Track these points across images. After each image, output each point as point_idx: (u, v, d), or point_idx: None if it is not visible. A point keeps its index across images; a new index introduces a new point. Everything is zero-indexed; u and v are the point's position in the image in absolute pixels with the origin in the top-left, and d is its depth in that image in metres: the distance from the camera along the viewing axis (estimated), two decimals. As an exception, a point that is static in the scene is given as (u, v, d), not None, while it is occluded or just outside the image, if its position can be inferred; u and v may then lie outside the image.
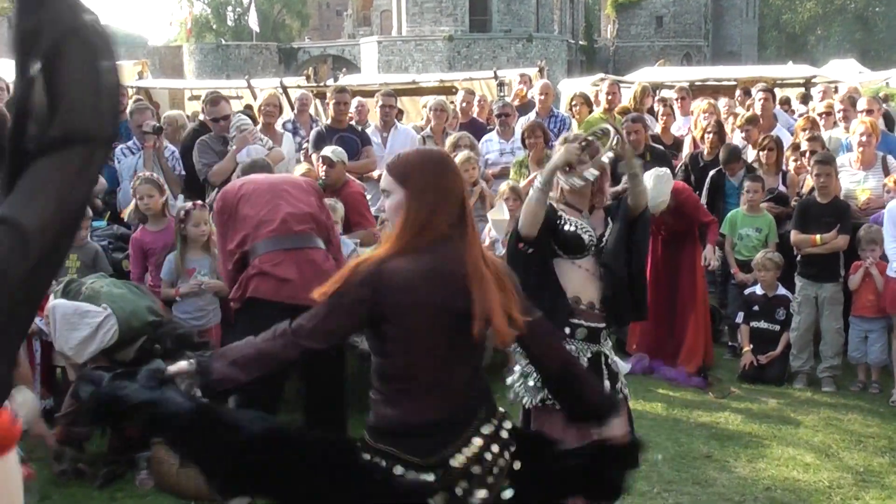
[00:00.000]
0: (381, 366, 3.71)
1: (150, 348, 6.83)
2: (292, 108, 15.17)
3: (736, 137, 11.61)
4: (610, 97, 12.29)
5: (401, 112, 16.05)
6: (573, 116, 13.09)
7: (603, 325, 5.52)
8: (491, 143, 11.78)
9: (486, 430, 3.65)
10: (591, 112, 12.75)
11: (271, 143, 10.25)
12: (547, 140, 10.77)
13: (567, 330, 5.36)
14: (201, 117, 11.03)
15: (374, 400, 3.73)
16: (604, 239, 5.57)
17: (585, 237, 5.45)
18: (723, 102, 13.66)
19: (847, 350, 9.35)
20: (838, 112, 11.61)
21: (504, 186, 9.69)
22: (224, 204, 6.68)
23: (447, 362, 3.60)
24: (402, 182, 3.66)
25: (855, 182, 9.77)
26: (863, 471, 7.10)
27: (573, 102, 13.39)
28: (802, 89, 17.42)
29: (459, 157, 10.11)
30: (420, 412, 3.59)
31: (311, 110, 13.93)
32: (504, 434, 3.71)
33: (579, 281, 5.49)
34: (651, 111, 13.19)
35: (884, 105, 12.97)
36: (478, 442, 3.61)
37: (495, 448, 3.65)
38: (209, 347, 7.24)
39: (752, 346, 9.47)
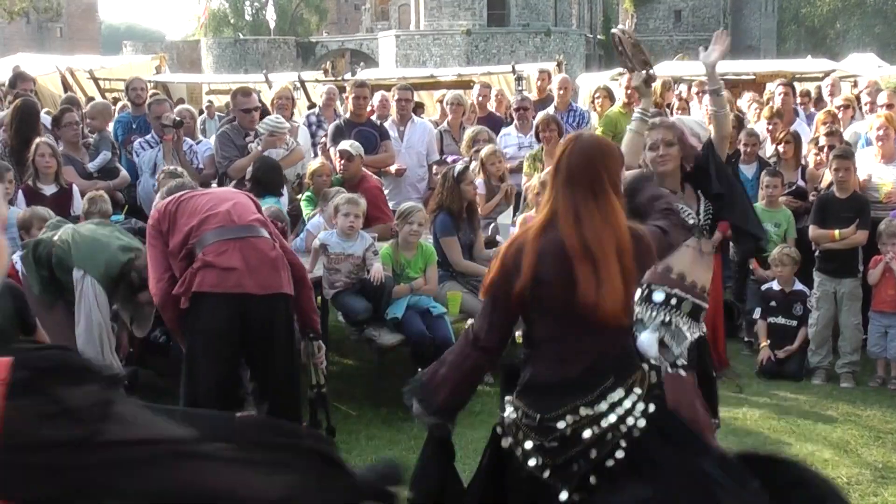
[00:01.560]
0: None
1: (129, 274, 6.93)
2: (312, 103, 15.22)
3: (760, 130, 11.54)
4: (629, 91, 12.23)
5: (420, 106, 16.06)
6: (595, 109, 13.09)
7: (705, 305, 5.75)
8: (509, 138, 11.78)
9: (606, 401, 3.82)
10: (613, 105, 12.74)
11: (295, 144, 10.26)
12: (561, 133, 10.75)
13: (673, 301, 5.59)
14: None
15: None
16: (699, 216, 5.71)
17: (690, 221, 5.51)
18: (747, 97, 13.64)
19: (866, 345, 9.33)
20: (865, 105, 11.59)
21: (534, 181, 9.64)
22: (160, 214, 6.45)
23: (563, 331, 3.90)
24: None
25: (876, 176, 9.74)
26: (882, 467, 7.07)
27: (596, 95, 13.39)
28: (821, 83, 17.37)
29: (485, 151, 10.13)
30: (539, 374, 3.93)
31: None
32: (632, 410, 3.84)
33: (687, 259, 5.68)
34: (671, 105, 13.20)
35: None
36: (586, 411, 3.80)
37: (612, 418, 3.81)
38: None
39: (769, 341, 9.45)
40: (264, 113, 11.60)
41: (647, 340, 5.56)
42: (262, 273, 6.16)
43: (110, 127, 11.78)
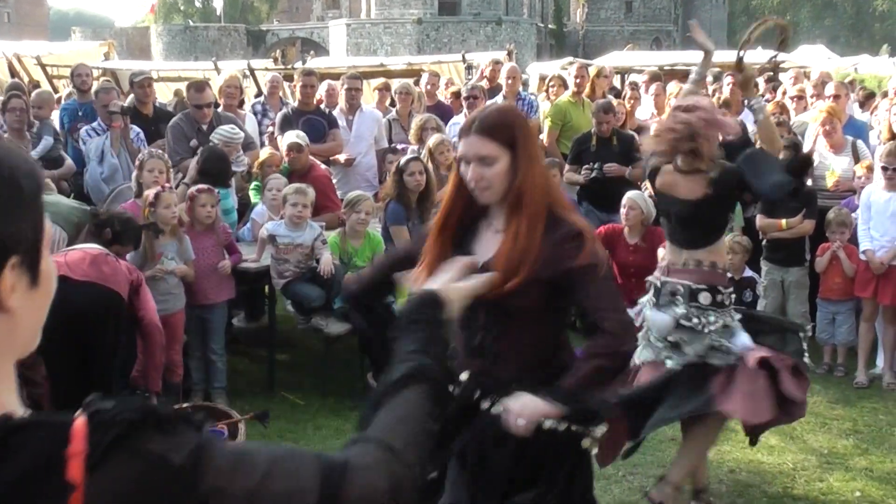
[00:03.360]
0: None
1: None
2: (260, 91, 15.13)
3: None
4: (578, 81, 12.28)
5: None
6: (549, 98, 13.11)
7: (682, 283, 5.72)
8: (458, 127, 11.73)
9: None
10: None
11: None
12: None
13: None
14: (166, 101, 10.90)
15: None
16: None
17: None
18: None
19: (814, 332, 9.42)
20: (811, 98, 11.68)
21: None
22: None
23: None
24: (510, 145, 3.62)
25: (824, 165, 9.82)
26: (827, 453, 7.15)
27: (550, 83, 13.44)
28: (770, 73, 17.47)
29: (433, 140, 10.06)
30: None
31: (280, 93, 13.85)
32: None
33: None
34: (611, 93, 13.22)
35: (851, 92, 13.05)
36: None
37: None
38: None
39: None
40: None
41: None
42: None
43: (55, 115, 11.67)
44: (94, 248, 6.56)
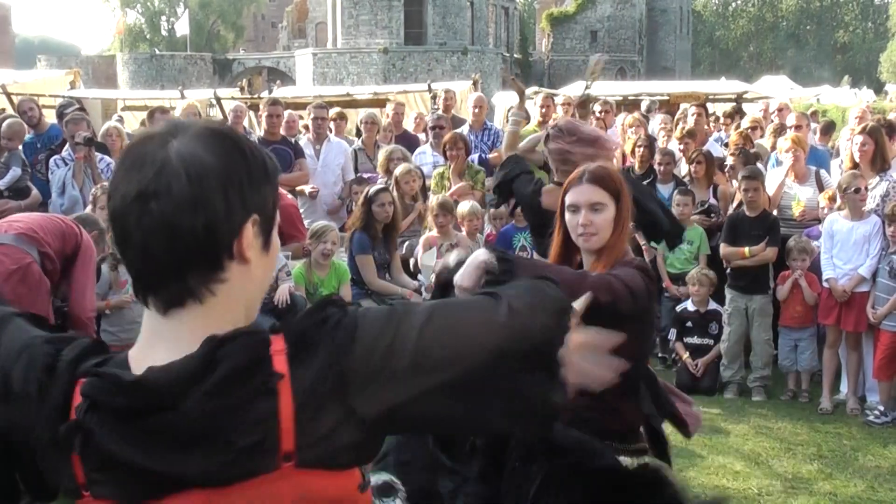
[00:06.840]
0: None
1: None
2: (226, 120, 15.13)
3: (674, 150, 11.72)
4: (544, 110, 12.34)
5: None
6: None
7: None
8: (424, 156, 11.78)
9: None
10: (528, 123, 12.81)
11: None
12: (468, 152, 10.80)
13: None
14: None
15: None
16: None
17: None
18: (658, 119, 13.80)
19: (777, 359, 9.50)
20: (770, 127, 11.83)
21: (433, 202, 9.62)
22: None
23: None
24: (616, 197, 3.91)
25: (790, 195, 9.92)
26: (791, 478, 7.19)
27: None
28: (734, 104, 17.65)
29: (400, 170, 10.08)
30: None
31: (245, 122, 13.84)
32: None
33: None
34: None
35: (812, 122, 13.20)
36: None
37: None
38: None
39: (688, 353, 9.59)
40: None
41: None
42: None
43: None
44: (25, 252, 5.95)
